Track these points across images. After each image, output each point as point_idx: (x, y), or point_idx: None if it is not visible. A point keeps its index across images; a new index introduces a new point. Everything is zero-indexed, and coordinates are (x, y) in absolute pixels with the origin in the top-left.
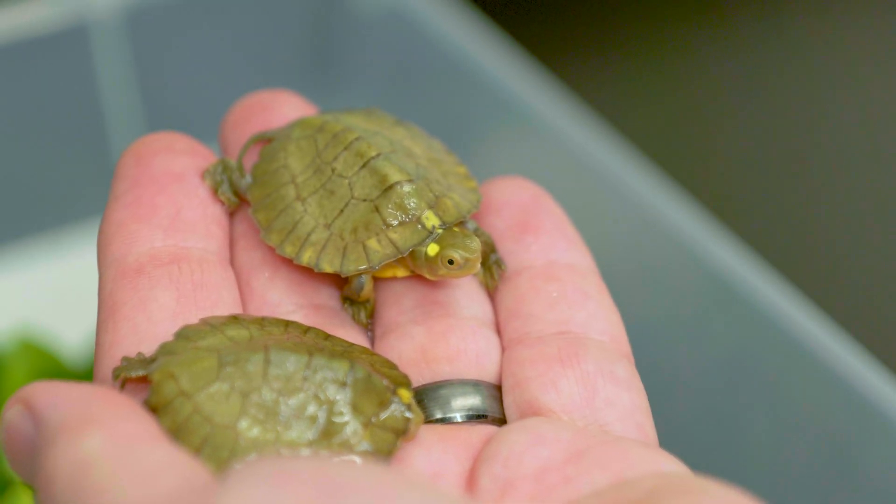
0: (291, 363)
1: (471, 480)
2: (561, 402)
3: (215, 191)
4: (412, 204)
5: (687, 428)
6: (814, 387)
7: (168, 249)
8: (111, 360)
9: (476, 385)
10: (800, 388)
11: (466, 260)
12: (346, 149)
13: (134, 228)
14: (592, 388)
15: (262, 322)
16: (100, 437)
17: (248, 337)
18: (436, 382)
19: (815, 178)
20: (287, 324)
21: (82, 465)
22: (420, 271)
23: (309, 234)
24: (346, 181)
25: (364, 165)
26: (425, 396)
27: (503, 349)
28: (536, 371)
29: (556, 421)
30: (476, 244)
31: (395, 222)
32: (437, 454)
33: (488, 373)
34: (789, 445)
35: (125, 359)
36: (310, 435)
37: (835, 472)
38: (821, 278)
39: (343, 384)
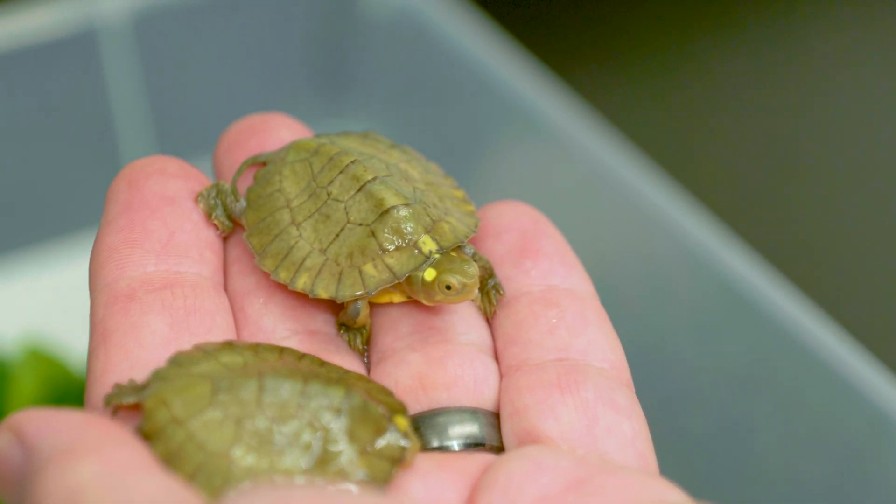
0: (286, 390)
1: None
2: (560, 430)
3: (209, 215)
4: (409, 229)
5: (699, 438)
6: (827, 397)
7: (160, 274)
8: (103, 387)
9: (474, 413)
10: (813, 398)
11: (464, 285)
12: (341, 172)
13: (126, 253)
14: (592, 416)
15: (256, 348)
16: (92, 465)
17: (243, 363)
18: (433, 410)
19: (830, 184)
20: (282, 350)
21: (74, 493)
22: (417, 297)
23: (304, 260)
24: (342, 205)
25: (360, 189)
26: (422, 424)
27: (501, 376)
28: (535, 398)
29: (555, 449)
30: (474, 269)
31: (391, 247)
32: (434, 482)
33: (486, 400)
34: (803, 456)
35: (117, 386)
36: (304, 463)
37: (849, 483)
38: (833, 287)
39: (338, 411)
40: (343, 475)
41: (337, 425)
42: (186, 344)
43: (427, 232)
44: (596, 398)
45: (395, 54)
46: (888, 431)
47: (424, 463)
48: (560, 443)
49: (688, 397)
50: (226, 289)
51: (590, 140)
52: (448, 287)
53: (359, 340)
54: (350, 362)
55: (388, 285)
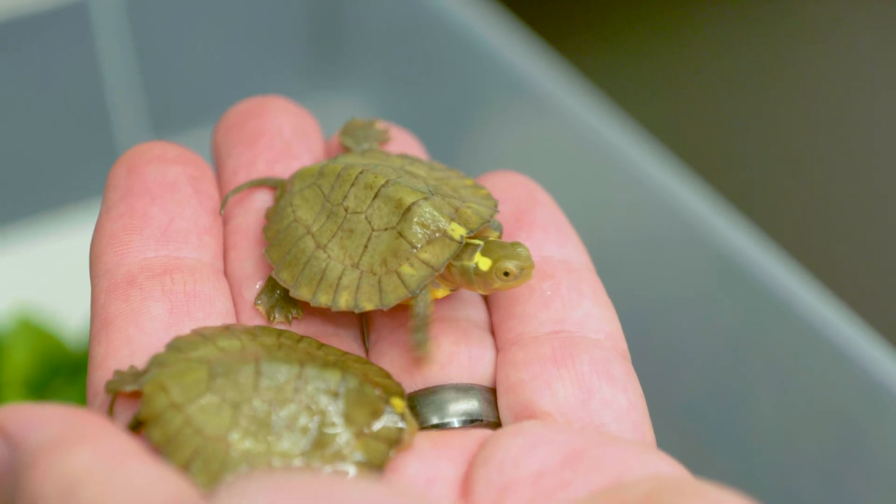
0: (283, 374)
1: (466, 485)
2: (556, 404)
3: (268, 317)
4: (434, 220)
5: (695, 408)
6: (821, 366)
7: (160, 260)
8: (104, 373)
9: (470, 389)
10: (807, 367)
11: (521, 269)
12: (353, 185)
13: (126, 239)
14: (588, 389)
15: (254, 332)
16: (87, 455)
17: (240, 347)
18: (429, 388)
19: (822, 151)
20: (280, 333)
21: (70, 483)
22: (472, 288)
23: (339, 279)
24: (363, 216)
25: (376, 196)
26: (419, 403)
27: (497, 350)
28: (531, 373)
29: (551, 424)
30: (525, 251)
31: (422, 243)
32: (430, 461)
33: (482, 376)
34: (797, 424)
35: (117, 372)
36: (302, 446)
37: (843, 451)
38: (828, 257)
39: (335, 394)
40: (340, 458)
41: (333, 408)
42: (186, 329)
43: (452, 219)
44: (591, 371)
45: (389, 25)
46: (882, 400)
47: (420, 442)
48: (557, 416)
49: (682, 366)
50: (225, 273)
51: (585, 110)
52: (506, 273)
53: (430, 344)
54: (348, 344)
55: (429, 280)
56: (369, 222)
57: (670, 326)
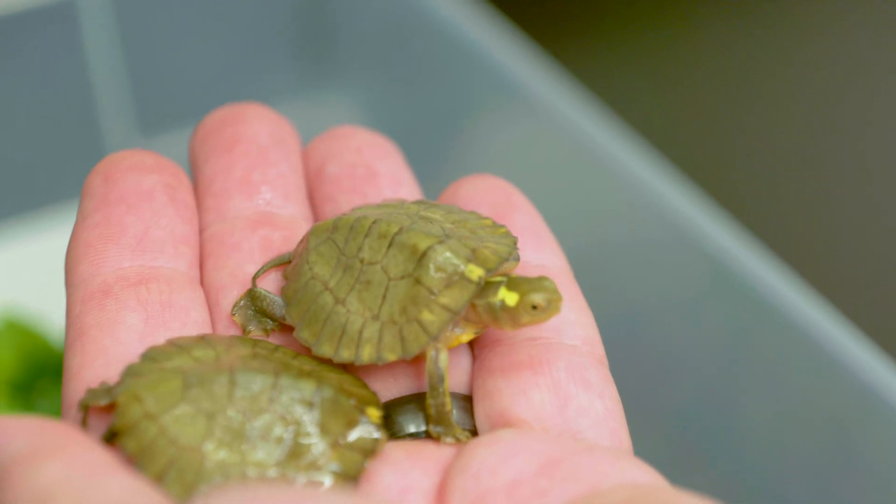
0: (257, 384)
1: (441, 495)
2: (533, 412)
3: (244, 329)
4: (450, 263)
5: (684, 412)
6: (812, 370)
7: (136, 270)
8: (80, 384)
9: None
10: (798, 371)
11: (549, 301)
12: (367, 236)
13: (101, 249)
14: (565, 396)
15: (229, 342)
16: (59, 467)
17: (215, 357)
18: (405, 396)
19: (814, 160)
20: (255, 343)
21: (44, 496)
22: (500, 325)
23: (360, 332)
24: (378, 266)
25: (391, 244)
26: (395, 411)
27: (474, 358)
28: (507, 380)
29: (528, 432)
30: (552, 283)
31: (440, 287)
32: (405, 470)
33: (458, 383)
34: (788, 430)
35: (89, 390)
36: (277, 456)
37: (834, 457)
38: (820, 260)
39: (310, 404)
40: (315, 468)
41: (308, 418)
42: (162, 339)
43: (469, 260)
44: (568, 377)
45: (377, 25)
46: (874, 405)
47: (395, 452)
48: (533, 424)
49: (672, 371)
50: (202, 283)
51: (575, 112)
52: (534, 307)
53: (460, 433)
54: None
55: (449, 324)
56: (386, 272)
57: (660, 330)
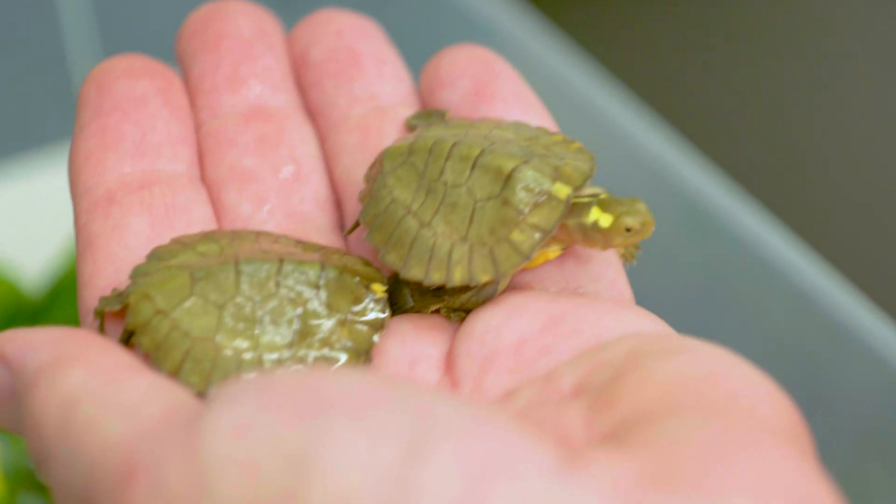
0: (263, 271)
1: (449, 362)
2: (533, 274)
3: None
4: (537, 183)
5: None
6: (787, 310)
7: (137, 175)
8: (93, 291)
9: None
10: (773, 311)
11: (643, 224)
12: (447, 159)
13: (101, 158)
14: (563, 254)
15: (233, 236)
16: (80, 374)
17: (219, 250)
18: None
19: (795, 106)
20: (258, 234)
21: (68, 403)
22: (591, 245)
23: (450, 254)
24: (463, 188)
25: (474, 166)
26: (398, 286)
27: None
28: None
29: (529, 292)
30: (644, 206)
31: (528, 207)
32: (412, 342)
33: None
34: (761, 367)
35: (102, 298)
36: (288, 337)
37: (809, 396)
38: (795, 201)
39: (315, 285)
40: (327, 345)
41: (315, 299)
42: (168, 240)
43: (555, 179)
44: None
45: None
46: (848, 344)
47: (402, 325)
48: (534, 285)
49: (647, 309)
50: (203, 180)
51: (559, 62)
52: (628, 229)
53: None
54: (328, 238)
55: (541, 244)
56: (471, 194)
57: (632, 272)
